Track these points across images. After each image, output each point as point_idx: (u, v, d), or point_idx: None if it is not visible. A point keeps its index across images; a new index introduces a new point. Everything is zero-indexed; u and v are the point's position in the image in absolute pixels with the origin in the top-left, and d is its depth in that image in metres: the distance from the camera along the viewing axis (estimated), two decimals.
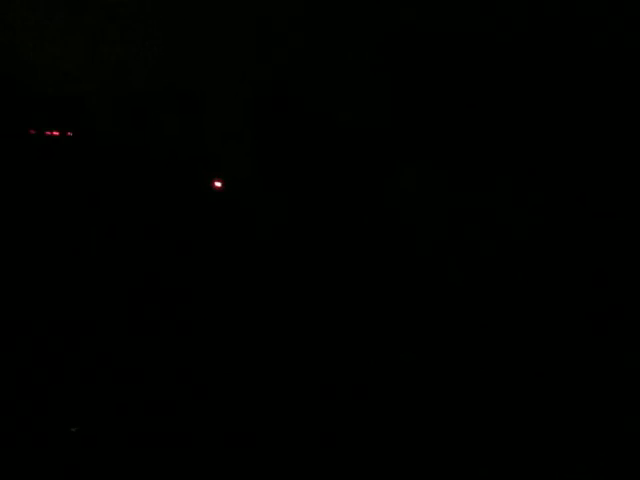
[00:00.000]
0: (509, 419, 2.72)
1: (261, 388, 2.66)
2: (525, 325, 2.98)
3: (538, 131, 3.24)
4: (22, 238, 2.84)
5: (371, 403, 2.69)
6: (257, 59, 3.44)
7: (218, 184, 3.11)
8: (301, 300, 2.96)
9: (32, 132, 3.03)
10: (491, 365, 2.88)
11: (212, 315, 2.85)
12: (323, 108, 3.33)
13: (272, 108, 3.30)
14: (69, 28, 3.37)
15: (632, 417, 2.75)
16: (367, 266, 3.07)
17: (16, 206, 2.89)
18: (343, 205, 3.17)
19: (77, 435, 2.43)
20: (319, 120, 3.30)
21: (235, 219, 3.08)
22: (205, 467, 2.38)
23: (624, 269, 3.10)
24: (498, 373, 2.86)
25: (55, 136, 3.05)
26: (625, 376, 2.88)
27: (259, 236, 3.08)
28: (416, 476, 2.49)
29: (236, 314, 2.87)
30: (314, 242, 3.10)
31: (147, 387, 2.60)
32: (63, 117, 3.10)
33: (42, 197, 2.93)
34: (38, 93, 3.13)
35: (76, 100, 3.18)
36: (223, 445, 2.44)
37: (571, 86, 3.24)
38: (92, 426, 2.47)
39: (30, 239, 2.84)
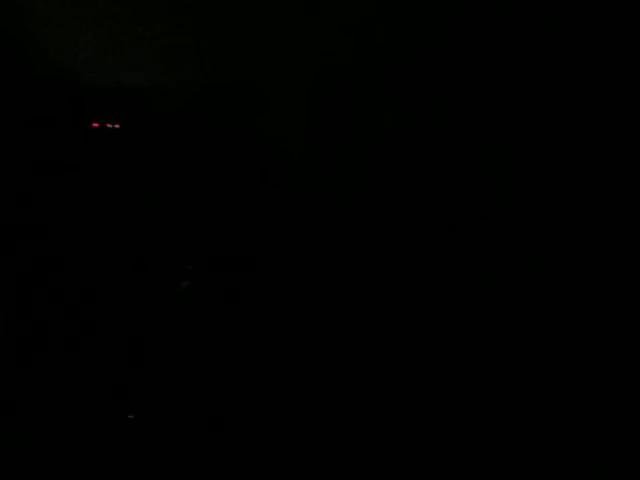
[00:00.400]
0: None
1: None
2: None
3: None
4: (93, 231, 3.20)
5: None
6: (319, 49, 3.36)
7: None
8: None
9: (95, 125, 3.19)
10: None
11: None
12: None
13: (333, 100, 3.33)
14: (119, 18, 3.29)
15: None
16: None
17: (82, 199, 3.20)
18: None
19: (134, 422, 3.10)
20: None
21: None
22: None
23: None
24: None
25: (116, 129, 3.21)
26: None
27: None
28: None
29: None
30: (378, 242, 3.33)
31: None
32: (123, 109, 3.22)
33: (107, 190, 3.21)
34: (97, 86, 3.20)
35: (136, 92, 3.25)
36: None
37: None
38: (148, 413, 3.11)
39: (104, 233, 3.20)
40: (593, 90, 3.20)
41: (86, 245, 3.19)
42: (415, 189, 3.35)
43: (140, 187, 3.22)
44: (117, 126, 3.20)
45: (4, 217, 3.13)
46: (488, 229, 3.27)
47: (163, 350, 3.16)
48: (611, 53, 3.18)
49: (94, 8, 3.47)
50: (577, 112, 3.26)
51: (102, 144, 3.20)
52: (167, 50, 3.35)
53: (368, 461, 3.00)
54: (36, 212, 3.16)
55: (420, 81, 3.36)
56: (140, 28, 3.42)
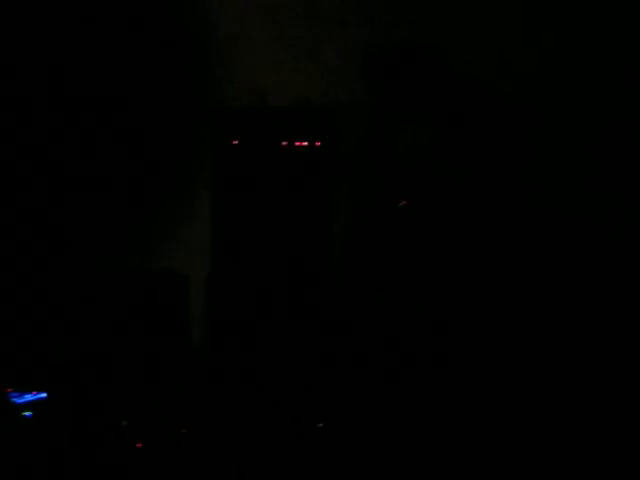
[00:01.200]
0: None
1: None
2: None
3: None
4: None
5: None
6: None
7: None
8: None
9: (284, 144, 3.32)
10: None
11: None
12: None
13: None
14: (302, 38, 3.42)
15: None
16: None
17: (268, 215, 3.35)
18: None
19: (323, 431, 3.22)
20: None
21: None
22: None
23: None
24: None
25: (304, 146, 3.32)
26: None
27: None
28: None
29: None
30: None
31: None
32: (311, 127, 3.33)
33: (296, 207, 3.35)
34: (285, 105, 3.34)
35: (322, 110, 3.35)
36: None
37: None
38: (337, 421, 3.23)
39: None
40: None
41: (279, 260, 3.34)
42: None
43: (328, 203, 3.32)
44: (305, 144, 3.31)
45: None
46: None
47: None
48: None
49: (280, 28, 3.60)
50: None
51: (291, 162, 3.33)
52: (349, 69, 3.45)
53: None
54: (229, 229, 3.35)
55: None
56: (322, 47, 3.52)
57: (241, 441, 3.04)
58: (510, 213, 3.37)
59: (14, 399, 3.05)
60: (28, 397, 3.08)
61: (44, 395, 3.13)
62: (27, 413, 3.00)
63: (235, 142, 3.33)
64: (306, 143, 3.31)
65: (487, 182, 3.39)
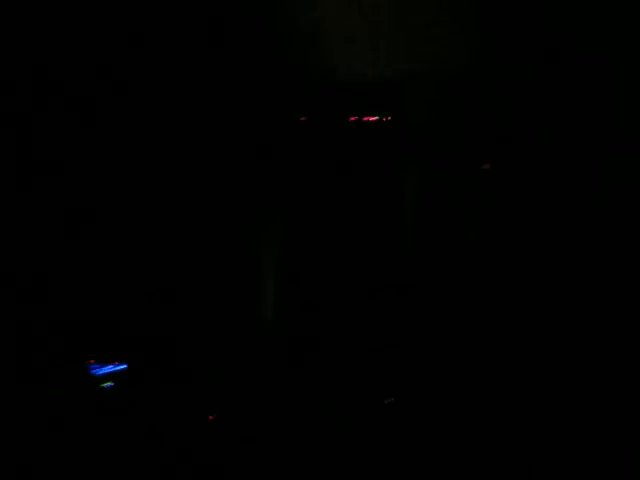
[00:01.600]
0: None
1: None
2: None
3: None
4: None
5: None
6: None
7: None
8: None
9: (352, 119, 3.30)
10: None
11: None
12: None
13: None
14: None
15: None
16: None
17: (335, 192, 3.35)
18: None
19: (393, 406, 3.23)
20: None
21: None
22: None
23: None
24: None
25: (373, 121, 3.30)
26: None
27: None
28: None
29: None
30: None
31: None
32: (380, 103, 3.29)
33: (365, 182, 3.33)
34: (355, 80, 3.30)
35: (392, 86, 3.30)
36: None
37: None
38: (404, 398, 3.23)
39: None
40: None
41: (349, 238, 3.34)
42: None
43: (395, 179, 3.29)
44: (375, 119, 3.28)
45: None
46: None
47: None
48: None
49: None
50: None
51: (359, 137, 3.31)
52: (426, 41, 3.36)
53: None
54: (299, 210, 3.37)
55: None
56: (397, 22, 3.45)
57: (312, 416, 3.09)
58: (592, 176, 3.25)
59: (95, 371, 3.18)
60: (108, 368, 3.20)
61: (124, 367, 3.25)
62: (108, 384, 3.12)
63: (304, 119, 3.34)
64: (376, 118, 3.29)
65: (571, 147, 3.26)
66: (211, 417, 2.99)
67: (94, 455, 2.67)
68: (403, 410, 3.15)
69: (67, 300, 3.35)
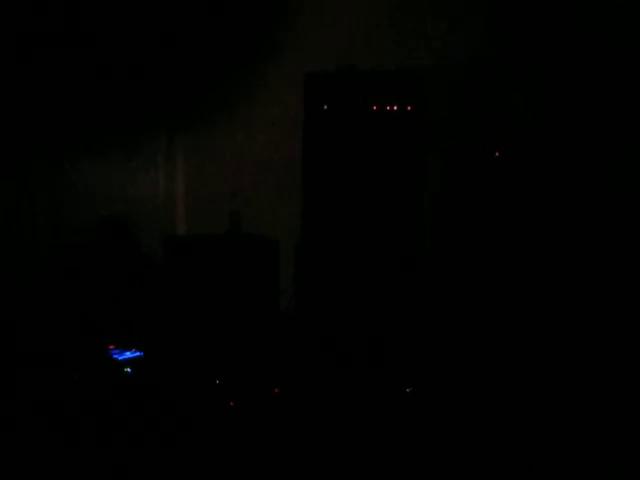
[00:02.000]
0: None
1: None
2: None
3: None
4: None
5: None
6: None
7: None
8: None
9: (375, 108, 3.30)
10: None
11: None
12: None
13: None
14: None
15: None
16: None
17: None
18: None
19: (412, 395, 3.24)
20: None
21: None
22: None
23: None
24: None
25: (394, 111, 3.29)
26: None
27: None
28: None
29: None
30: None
31: None
32: (402, 92, 3.29)
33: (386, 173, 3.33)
34: (376, 69, 3.30)
35: (414, 74, 3.31)
36: None
37: None
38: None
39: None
40: None
41: (368, 228, 3.34)
42: None
43: (418, 170, 3.30)
44: (396, 108, 3.28)
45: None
46: None
47: None
48: None
49: None
50: None
51: (381, 127, 3.31)
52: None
53: None
54: (319, 196, 3.37)
55: None
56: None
57: (330, 404, 3.10)
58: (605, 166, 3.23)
59: (116, 356, 3.21)
60: (128, 354, 3.23)
61: (141, 353, 3.28)
62: (128, 369, 3.15)
63: (325, 108, 3.34)
64: (396, 107, 3.28)
65: (585, 140, 3.25)
66: (232, 403, 3.00)
67: (113, 442, 2.70)
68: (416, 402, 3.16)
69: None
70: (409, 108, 3.27)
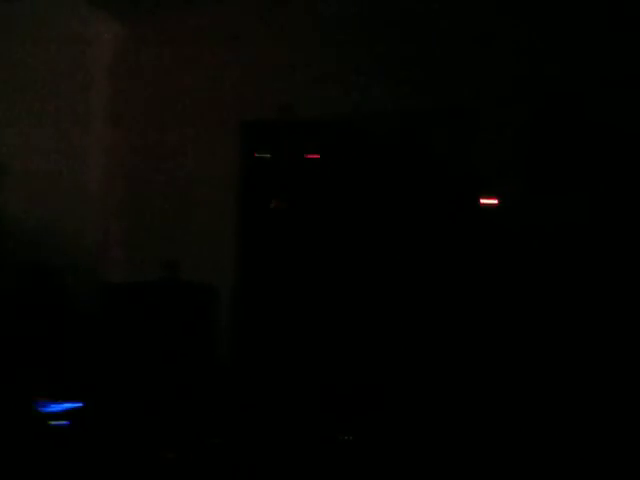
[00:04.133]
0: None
1: None
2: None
3: None
4: None
5: None
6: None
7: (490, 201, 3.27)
8: None
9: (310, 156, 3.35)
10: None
11: None
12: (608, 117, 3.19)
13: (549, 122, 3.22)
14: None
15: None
16: None
17: None
18: None
19: None
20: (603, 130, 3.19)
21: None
22: None
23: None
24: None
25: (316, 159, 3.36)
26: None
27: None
28: None
29: None
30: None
31: None
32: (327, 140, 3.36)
33: None
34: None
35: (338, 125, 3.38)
36: None
37: None
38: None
39: None
40: None
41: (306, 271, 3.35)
42: None
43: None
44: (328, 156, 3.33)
45: None
46: None
47: None
48: None
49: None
50: None
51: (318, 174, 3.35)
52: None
53: None
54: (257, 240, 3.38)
55: None
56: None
57: (269, 451, 3.06)
58: None
59: (43, 408, 3.12)
60: (57, 406, 3.15)
61: (79, 405, 3.20)
62: (63, 422, 3.06)
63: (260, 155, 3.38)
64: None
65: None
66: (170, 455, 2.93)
67: None
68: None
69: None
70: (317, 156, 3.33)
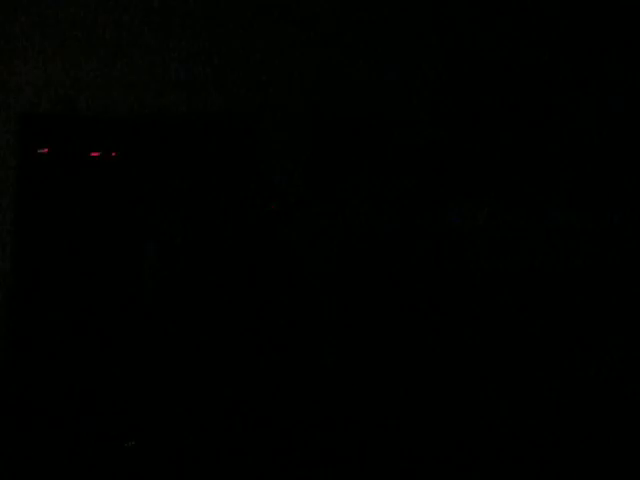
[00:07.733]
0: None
1: None
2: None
3: None
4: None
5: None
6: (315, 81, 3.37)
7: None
8: None
9: (95, 154, 3.22)
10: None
11: None
12: (383, 126, 3.34)
13: (330, 128, 3.32)
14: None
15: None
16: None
17: None
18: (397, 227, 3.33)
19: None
20: (377, 138, 3.34)
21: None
22: None
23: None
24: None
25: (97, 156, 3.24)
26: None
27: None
28: None
29: None
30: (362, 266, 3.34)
31: None
32: (118, 139, 3.24)
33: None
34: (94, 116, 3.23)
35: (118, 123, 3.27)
36: None
37: None
38: None
39: None
40: None
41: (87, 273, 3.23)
42: None
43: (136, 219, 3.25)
44: (114, 155, 3.22)
45: None
46: None
47: None
48: None
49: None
50: None
51: (102, 173, 3.23)
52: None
53: None
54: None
55: None
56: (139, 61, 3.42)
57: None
58: None
59: None
60: None
61: None
62: None
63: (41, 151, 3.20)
64: (115, 154, 3.23)
65: None
66: None
67: None
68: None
69: None
70: (113, 154, 3.23)
